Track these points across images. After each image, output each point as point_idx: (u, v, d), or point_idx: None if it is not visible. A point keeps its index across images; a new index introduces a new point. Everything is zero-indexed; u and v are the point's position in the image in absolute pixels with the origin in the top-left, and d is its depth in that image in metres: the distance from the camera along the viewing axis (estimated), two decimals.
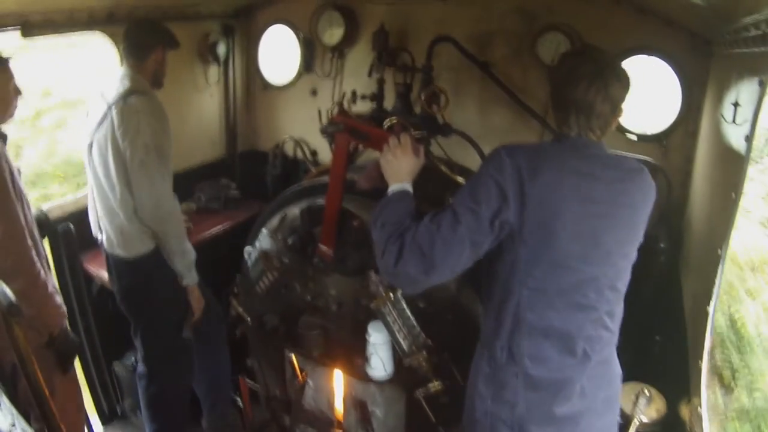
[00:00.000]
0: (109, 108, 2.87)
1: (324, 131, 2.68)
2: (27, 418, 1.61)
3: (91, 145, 2.99)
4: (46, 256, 2.72)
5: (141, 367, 3.39)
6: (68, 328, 2.71)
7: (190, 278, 3.13)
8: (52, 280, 2.68)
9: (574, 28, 3.16)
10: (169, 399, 3.40)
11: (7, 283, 2.22)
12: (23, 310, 2.36)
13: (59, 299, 2.63)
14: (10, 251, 2.42)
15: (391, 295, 2.41)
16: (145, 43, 2.98)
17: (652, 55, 3.04)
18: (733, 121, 2.11)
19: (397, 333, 2.47)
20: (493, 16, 3.41)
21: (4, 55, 2.48)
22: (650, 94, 3.28)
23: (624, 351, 2.10)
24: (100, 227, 3.15)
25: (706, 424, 2.06)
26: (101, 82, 3.06)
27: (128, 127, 2.82)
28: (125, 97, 2.86)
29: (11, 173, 2.44)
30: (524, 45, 3.33)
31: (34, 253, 2.49)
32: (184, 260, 3.08)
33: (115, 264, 3.15)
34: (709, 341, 2.12)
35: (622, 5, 3.05)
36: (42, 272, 2.53)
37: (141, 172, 2.84)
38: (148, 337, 3.28)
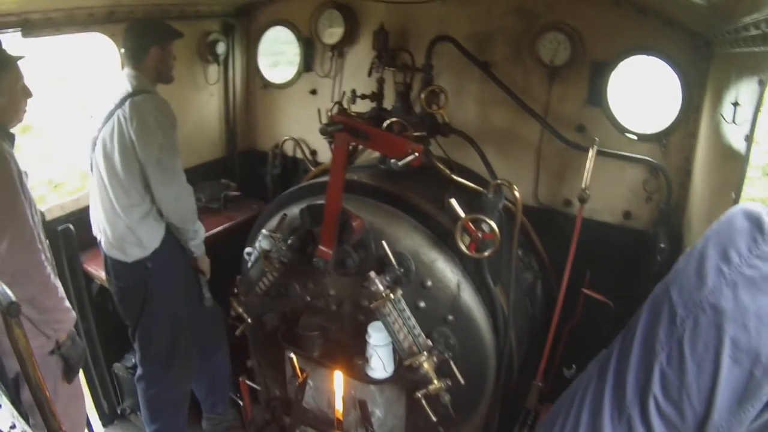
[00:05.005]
0: (116, 107, 2.90)
1: (324, 131, 2.68)
2: (27, 421, 1.60)
3: (95, 146, 3.00)
4: (52, 259, 2.62)
5: (140, 370, 3.39)
6: (75, 332, 2.62)
7: (199, 250, 3.27)
8: (59, 284, 2.58)
9: (574, 28, 3.16)
10: (168, 401, 3.41)
11: (19, 289, 2.00)
12: (33, 316, 2.29)
13: (68, 303, 2.54)
14: (21, 256, 2.30)
15: (391, 295, 2.41)
16: (138, 46, 3.02)
17: (652, 55, 3.04)
18: (733, 121, 2.11)
19: (397, 333, 2.46)
20: (493, 15, 3.40)
21: (15, 54, 2.36)
22: (650, 94, 3.27)
23: None
24: (100, 228, 3.15)
25: None
26: (104, 83, 3.08)
27: (141, 126, 2.86)
28: (133, 96, 2.89)
29: (19, 175, 2.34)
30: (524, 45, 3.33)
31: (43, 257, 2.39)
32: (197, 240, 3.21)
33: (112, 266, 3.16)
34: None
35: (622, 5, 3.05)
36: (52, 276, 2.43)
37: (160, 171, 2.92)
38: (144, 339, 3.29)
